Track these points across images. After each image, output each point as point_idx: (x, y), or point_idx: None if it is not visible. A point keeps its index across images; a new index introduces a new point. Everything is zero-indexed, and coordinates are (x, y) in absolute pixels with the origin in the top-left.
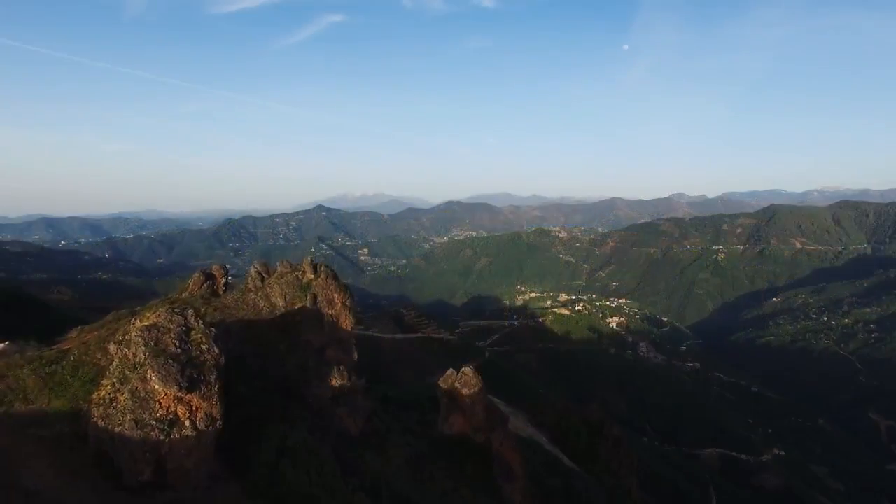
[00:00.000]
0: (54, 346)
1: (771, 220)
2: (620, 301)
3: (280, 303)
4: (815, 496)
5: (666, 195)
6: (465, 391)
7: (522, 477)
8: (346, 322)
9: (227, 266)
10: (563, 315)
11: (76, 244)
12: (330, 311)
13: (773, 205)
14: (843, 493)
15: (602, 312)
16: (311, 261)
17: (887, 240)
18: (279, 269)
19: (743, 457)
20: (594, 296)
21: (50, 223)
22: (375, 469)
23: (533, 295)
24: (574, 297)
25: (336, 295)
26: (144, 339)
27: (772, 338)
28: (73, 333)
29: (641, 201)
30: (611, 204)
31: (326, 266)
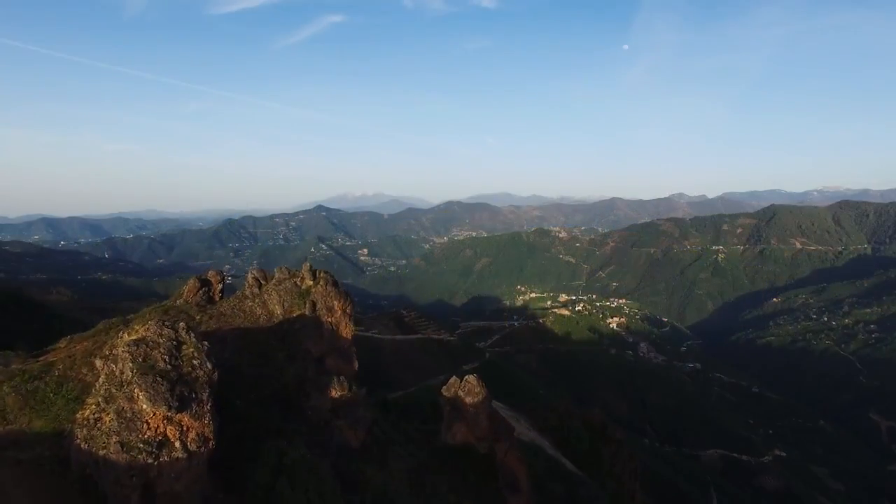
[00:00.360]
0: (40, 358)
1: (771, 220)
2: (620, 301)
3: (278, 310)
4: (815, 497)
5: (666, 195)
6: (468, 399)
7: (528, 488)
8: (346, 330)
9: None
10: (563, 315)
11: (76, 244)
12: (329, 319)
13: (773, 205)
14: (844, 493)
15: (602, 313)
16: (311, 266)
17: (887, 240)
18: (277, 275)
19: (744, 458)
20: (594, 296)
21: (50, 223)
22: (377, 484)
23: (533, 295)
24: (574, 298)
25: (336, 302)
26: (132, 355)
27: (772, 338)
28: (63, 343)
29: (641, 201)
30: (611, 204)
31: (326, 272)
